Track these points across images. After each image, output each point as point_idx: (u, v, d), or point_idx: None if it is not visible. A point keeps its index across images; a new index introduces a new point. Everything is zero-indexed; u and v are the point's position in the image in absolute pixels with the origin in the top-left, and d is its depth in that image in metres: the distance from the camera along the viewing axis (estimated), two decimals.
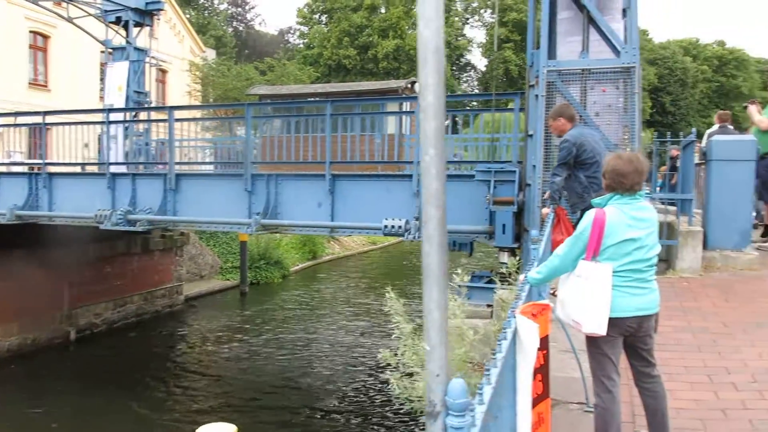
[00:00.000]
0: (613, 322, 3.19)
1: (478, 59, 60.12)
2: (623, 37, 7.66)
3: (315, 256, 25.64)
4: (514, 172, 7.91)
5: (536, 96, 7.62)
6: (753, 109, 7.52)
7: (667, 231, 7.03)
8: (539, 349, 3.24)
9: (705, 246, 6.97)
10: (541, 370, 3.22)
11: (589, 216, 3.27)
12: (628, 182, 3.26)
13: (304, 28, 49.28)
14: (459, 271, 4.46)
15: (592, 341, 3.33)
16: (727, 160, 6.79)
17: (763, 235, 7.91)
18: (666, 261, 7.07)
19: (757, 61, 59.63)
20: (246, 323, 17.12)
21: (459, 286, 4.38)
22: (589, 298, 3.19)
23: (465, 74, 55.64)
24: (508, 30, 46.61)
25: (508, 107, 10.55)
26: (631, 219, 3.22)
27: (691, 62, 59.14)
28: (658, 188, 8.60)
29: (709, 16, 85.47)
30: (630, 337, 3.34)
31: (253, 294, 20.20)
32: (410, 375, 4.23)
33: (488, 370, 2.11)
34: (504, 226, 7.65)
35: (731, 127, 9.30)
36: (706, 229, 6.99)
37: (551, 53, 8.24)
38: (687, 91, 56.96)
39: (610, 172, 3.34)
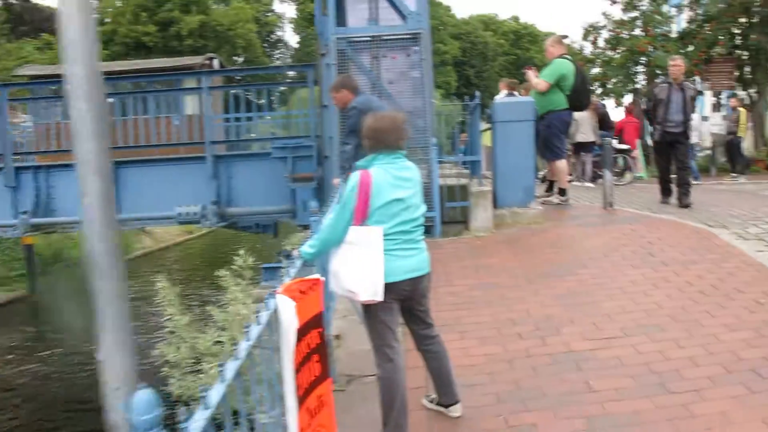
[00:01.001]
0: (388, 287, 3.07)
1: (290, 35, 59.33)
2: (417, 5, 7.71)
3: (125, 253, 23.78)
4: (311, 146, 7.72)
5: (327, 65, 7.43)
6: (530, 74, 7.96)
7: (461, 193, 7.25)
8: (314, 328, 3.03)
9: (495, 205, 7.28)
10: (318, 350, 3.02)
11: (354, 179, 3.11)
12: (389, 140, 3.15)
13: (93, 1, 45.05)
14: (241, 252, 4.15)
15: (368, 311, 3.20)
16: (509, 121, 7.11)
17: (546, 191, 8.49)
18: (463, 222, 7.30)
19: (546, 34, 64.88)
20: (33, 341, 15.13)
21: (242, 268, 4.07)
22: (361, 265, 3.03)
23: (277, 51, 54.65)
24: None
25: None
26: (395, 179, 3.11)
27: (491, 36, 63.16)
28: (461, 154, 8.90)
29: None
30: (406, 301, 3.26)
31: (46, 304, 17.91)
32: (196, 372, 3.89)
33: (222, 364, 1.82)
34: (305, 203, 7.46)
35: (517, 93, 9.86)
36: (495, 189, 7.31)
37: (341, 20, 8.09)
38: (488, 64, 60.67)
39: (370, 131, 3.20)
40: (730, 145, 14.44)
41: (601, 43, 18.22)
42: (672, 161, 8.32)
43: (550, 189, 8.41)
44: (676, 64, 8.24)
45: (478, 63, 60.04)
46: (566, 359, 4.01)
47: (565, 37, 17.72)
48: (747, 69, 17.42)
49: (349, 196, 3.08)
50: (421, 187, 3.33)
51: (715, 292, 4.81)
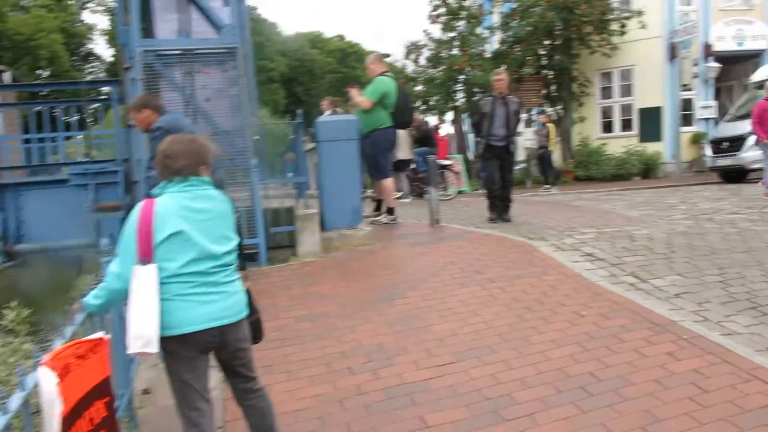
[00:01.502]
0: (183, 339, 2.60)
1: (103, 48, 55.23)
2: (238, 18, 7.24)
3: None
4: (117, 171, 6.94)
5: (133, 80, 6.73)
6: (354, 92, 7.80)
7: (287, 217, 6.86)
8: (98, 399, 2.49)
9: (323, 227, 6.99)
10: (104, 425, 2.48)
11: (135, 210, 2.62)
12: (176, 165, 2.69)
13: None
14: (13, 303, 3.43)
15: (168, 367, 2.71)
16: (333, 141, 6.87)
17: (375, 210, 8.37)
18: (291, 247, 6.93)
19: (370, 53, 66.68)
20: None
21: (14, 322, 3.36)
22: (133, 311, 2.53)
23: (89, 65, 50.63)
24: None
25: None
26: (184, 210, 2.66)
27: (318, 54, 63.65)
28: (290, 174, 8.51)
29: (329, 12, 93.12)
30: (219, 353, 2.81)
31: None
32: None
33: None
34: (112, 235, 6.65)
35: (341, 110, 9.70)
36: (323, 211, 7.02)
37: (149, 32, 7.41)
38: (317, 82, 61.02)
39: (160, 156, 2.74)
40: (542, 158, 15.48)
41: (422, 61, 18.83)
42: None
43: (378, 208, 8.29)
44: (500, 78, 8.31)
45: (307, 80, 60.19)
46: (400, 393, 3.76)
47: (388, 55, 18.12)
48: (553, 87, 18.86)
49: (129, 231, 2.58)
50: (229, 218, 2.89)
51: (539, 307, 4.85)
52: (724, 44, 18.83)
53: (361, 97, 7.59)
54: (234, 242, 2.87)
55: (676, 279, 5.48)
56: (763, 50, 19.12)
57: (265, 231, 6.55)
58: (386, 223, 8.05)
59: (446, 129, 18.89)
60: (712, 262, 5.94)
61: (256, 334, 3.16)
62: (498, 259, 6.24)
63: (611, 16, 17.49)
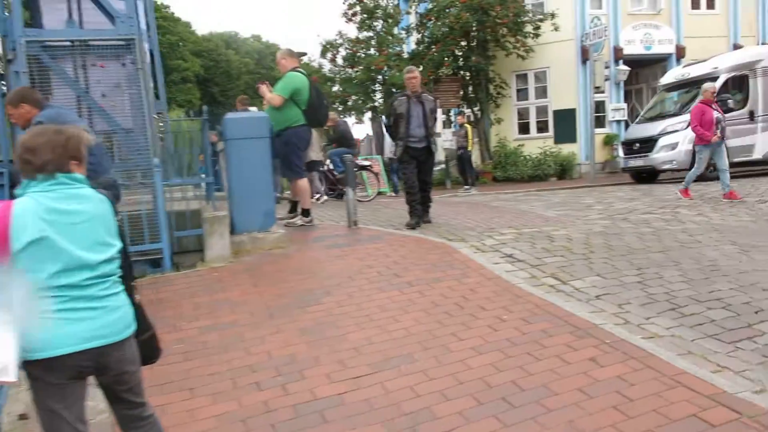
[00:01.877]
0: (49, 364, 2.19)
1: None
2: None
3: None
4: (2, 173, 6.28)
5: (16, 74, 6.10)
6: (263, 89, 7.40)
7: (193, 219, 6.41)
8: None
9: (234, 230, 6.57)
10: None
11: None
12: (38, 160, 2.26)
13: None
14: None
15: (34, 394, 2.29)
16: (243, 139, 6.45)
17: (290, 212, 8.00)
18: (200, 252, 6.47)
19: (302, 54, 65.94)
20: None
21: None
22: None
23: None
24: None
25: None
26: (50, 212, 2.23)
27: (234, 55, 62.27)
28: (203, 175, 8.02)
29: (245, 12, 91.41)
30: (99, 377, 2.40)
31: None
32: None
33: None
34: None
35: (253, 109, 9.26)
36: (233, 213, 6.60)
37: (36, 21, 6.78)
38: (233, 82, 59.70)
39: (20, 151, 2.31)
40: (461, 159, 15.49)
41: (339, 60, 18.56)
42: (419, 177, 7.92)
43: (294, 210, 7.92)
44: (412, 75, 7.80)
45: (223, 81, 58.82)
46: (310, 410, 3.44)
47: (303, 54, 17.77)
48: (470, 88, 18.99)
49: None
50: (109, 221, 2.47)
51: (460, 312, 4.64)
52: (633, 48, 19.52)
53: (271, 94, 7.21)
54: (115, 249, 2.45)
55: (595, 280, 5.40)
56: (670, 54, 19.96)
57: (169, 235, 6.07)
58: (302, 225, 7.70)
59: (365, 129, 18.66)
60: (630, 262, 5.92)
61: (150, 354, 2.75)
62: (417, 262, 6.02)
63: (525, 18, 17.77)
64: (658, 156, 14.35)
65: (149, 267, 6.18)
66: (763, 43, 20.58)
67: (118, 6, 6.44)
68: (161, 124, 10.38)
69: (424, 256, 6.22)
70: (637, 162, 15.01)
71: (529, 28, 17.84)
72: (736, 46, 20.19)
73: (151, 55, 12.90)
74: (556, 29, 17.66)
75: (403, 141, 7.70)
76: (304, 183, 7.48)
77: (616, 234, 7.23)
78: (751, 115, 14.53)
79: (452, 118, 19.77)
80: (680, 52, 19.90)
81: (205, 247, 6.22)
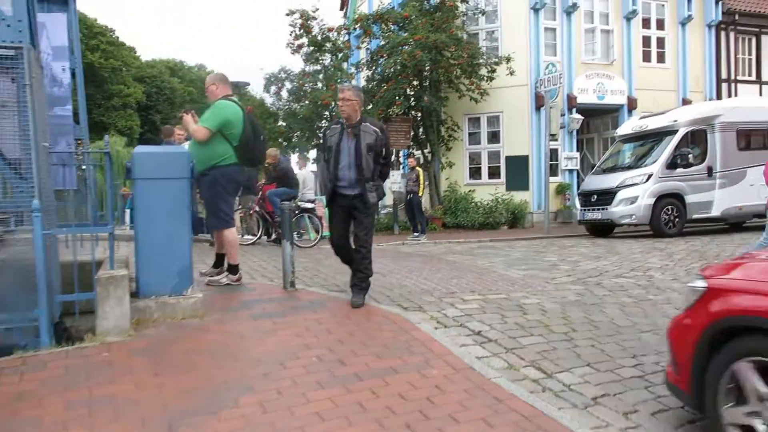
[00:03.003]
0: None
1: None
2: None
3: None
4: None
5: None
6: (188, 119, 6.15)
7: (84, 278, 5.06)
8: None
9: (137, 293, 5.24)
10: None
11: None
12: None
13: None
14: None
15: None
16: (155, 179, 5.17)
17: (215, 266, 6.68)
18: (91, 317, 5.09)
19: (234, 84, 64.67)
20: None
21: None
22: None
23: None
24: None
25: None
26: None
27: (178, 83, 60.43)
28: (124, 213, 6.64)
29: (190, 41, 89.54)
30: None
31: None
32: None
33: None
34: None
35: (177, 142, 8.00)
36: (138, 271, 5.26)
37: None
38: (177, 110, 57.81)
39: None
40: (410, 204, 14.45)
41: (284, 94, 17.43)
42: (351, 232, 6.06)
43: (219, 264, 6.61)
44: (342, 96, 5.68)
45: (165, 109, 56.90)
46: None
47: (246, 84, 16.59)
48: (421, 130, 18.15)
49: None
50: None
51: (425, 426, 3.46)
52: (586, 97, 19.16)
53: (196, 126, 5.98)
54: None
55: (586, 373, 4.35)
56: (622, 105, 19.69)
57: (48, 300, 4.70)
58: (227, 284, 6.41)
59: (310, 167, 17.51)
60: (621, 346, 4.93)
61: None
62: (367, 341, 4.82)
63: (480, 61, 17.12)
64: (617, 210, 13.69)
65: (21, 338, 4.79)
66: (710, 99, 20.62)
67: (3, 7, 5.15)
68: (80, 153, 9.00)
69: (375, 334, 5.04)
70: (594, 215, 14.32)
71: (483, 71, 17.19)
72: (685, 101, 20.17)
73: (73, 74, 11.52)
74: (511, 73, 17.07)
75: (330, 184, 5.83)
76: (232, 234, 6.20)
77: (595, 305, 6.25)
78: (710, 171, 14.10)
79: (402, 160, 18.84)
80: (632, 104, 19.69)
81: (97, 315, 4.85)
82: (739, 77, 21.97)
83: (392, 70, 16.72)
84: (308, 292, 6.32)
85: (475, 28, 18.83)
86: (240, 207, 13.46)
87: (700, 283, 3.35)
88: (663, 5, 20.65)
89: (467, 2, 18.12)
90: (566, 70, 18.52)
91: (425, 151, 18.19)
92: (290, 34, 16.70)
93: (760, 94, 21.73)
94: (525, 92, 18.42)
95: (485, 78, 17.14)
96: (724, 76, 21.63)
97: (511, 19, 18.58)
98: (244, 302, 5.90)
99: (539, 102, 18.06)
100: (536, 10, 18.53)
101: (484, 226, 17.04)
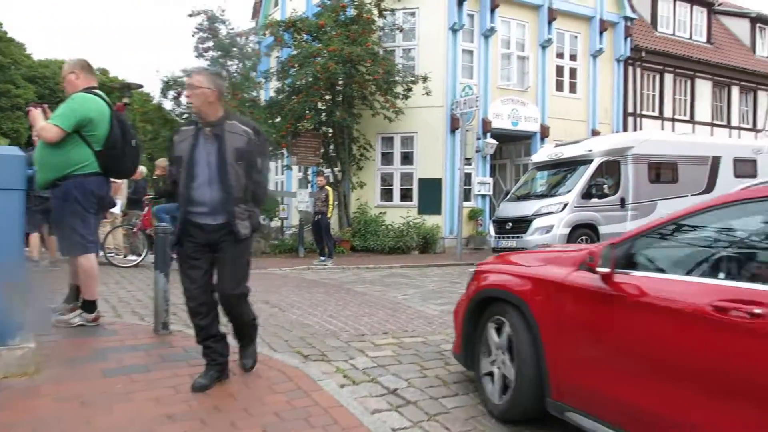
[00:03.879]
0: None
1: None
2: None
3: None
4: None
5: None
6: (35, 114, 4.82)
7: None
8: None
9: None
10: None
11: None
12: None
13: None
14: None
15: None
16: None
17: (68, 300, 5.34)
18: None
19: (125, 86, 61.66)
20: None
21: None
22: None
23: None
24: None
25: None
26: None
27: None
28: None
29: (89, 41, 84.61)
30: None
31: None
32: None
33: None
34: None
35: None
36: None
37: None
38: None
39: None
40: (318, 225, 13.36)
41: (184, 100, 15.98)
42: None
43: (73, 299, 5.28)
44: (191, 83, 3.85)
45: None
46: None
47: (139, 87, 15.05)
48: (332, 147, 17.18)
49: None
50: None
51: None
52: (501, 122, 18.86)
53: (44, 122, 4.71)
54: None
55: None
56: (536, 132, 19.54)
57: None
58: (80, 324, 5.10)
59: None
60: None
61: None
62: (253, 408, 3.72)
63: (396, 78, 16.40)
64: (532, 238, 13.20)
65: None
66: (617, 131, 20.88)
67: None
68: None
69: (265, 396, 3.93)
70: (509, 243, 13.77)
71: (399, 89, 16.46)
72: (594, 132, 20.31)
73: None
74: (428, 93, 16.43)
75: (182, 210, 3.93)
76: (89, 262, 4.88)
77: None
78: (622, 203, 13.92)
79: (311, 178, 17.77)
80: (545, 132, 19.58)
81: None
82: (644, 112, 22.44)
83: (303, 81, 15.70)
84: (185, 336, 5.09)
85: (392, 45, 18.13)
86: (125, 223, 11.95)
87: (472, 268, 4.58)
88: (576, 36, 20.79)
89: (385, 18, 17.39)
90: (482, 93, 18.14)
91: (335, 169, 17.21)
92: (193, 35, 15.37)
93: (662, 129, 22.26)
94: (440, 113, 17.85)
95: (401, 96, 16.41)
96: (630, 110, 22.02)
97: (428, 38, 18.02)
98: (97, 351, 4.60)
99: (455, 124, 17.54)
100: (454, 31, 18.07)
101: (394, 250, 16.21)
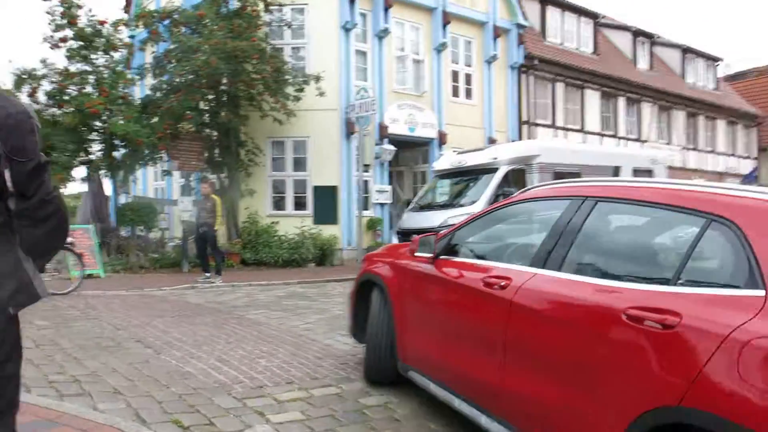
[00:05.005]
0: None
1: None
2: None
3: None
4: None
5: None
6: None
7: None
8: None
9: None
10: None
11: None
12: None
13: None
14: None
15: None
16: None
17: None
18: None
19: None
20: None
21: None
22: None
23: None
24: None
25: None
26: None
27: None
28: None
29: None
30: None
31: None
32: None
33: None
34: None
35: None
36: None
37: None
38: None
39: None
40: (203, 239, 11.84)
41: (42, 97, 13.85)
42: None
43: None
44: None
45: None
46: None
47: None
48: (217, 151, 15.65)
49: None
50: None
51: None
52: (398, 127, 18.10)
53: None
54: None
55: None
56: (433, 139, 18.93)
57: None
58: None
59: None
60: None
61: None
62: None
63: (287, 77, 15.15)
64: None
65: None
66: (512, 140, 20.69)
67: None
68: None
69: None
70: None
71: (290, 89, 15.20)
72: (491, 140, 20.01)
73: None
74: (321, 94, 15.28)
75: None
76: None
77: None
78: None
79: (194, 185, 16.11)
80: (442, 138, 19.01)
81: None
82: (538, 120, 22.47)
83: (183, 78, 14.09)
84: (22, 403, 3.69)
85: (281, 43, 16.82)
86: None
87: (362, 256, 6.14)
88: (470, 42, 20.44)
89: (271, 12, 16.07)
90: (378, 97, 17.20)
91: (222, 175, 15.68)
92: (49, 23, 13.33)
93: (555, 138, 22.40)
94: (335, 117, 16.79)
95: (292, 97, 15.15)
96: (524, 117, 21.96)
97: (319, 36, 16.91)
98: None
99: (350, 129, 16.55)
100: (347, 30, 17.07)
101: (289, 263, 14.93)
